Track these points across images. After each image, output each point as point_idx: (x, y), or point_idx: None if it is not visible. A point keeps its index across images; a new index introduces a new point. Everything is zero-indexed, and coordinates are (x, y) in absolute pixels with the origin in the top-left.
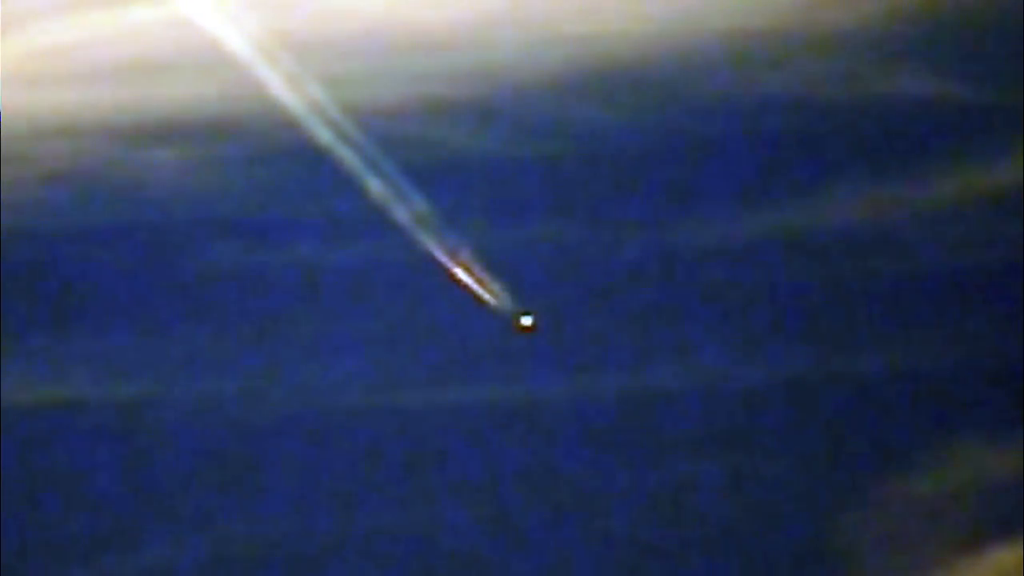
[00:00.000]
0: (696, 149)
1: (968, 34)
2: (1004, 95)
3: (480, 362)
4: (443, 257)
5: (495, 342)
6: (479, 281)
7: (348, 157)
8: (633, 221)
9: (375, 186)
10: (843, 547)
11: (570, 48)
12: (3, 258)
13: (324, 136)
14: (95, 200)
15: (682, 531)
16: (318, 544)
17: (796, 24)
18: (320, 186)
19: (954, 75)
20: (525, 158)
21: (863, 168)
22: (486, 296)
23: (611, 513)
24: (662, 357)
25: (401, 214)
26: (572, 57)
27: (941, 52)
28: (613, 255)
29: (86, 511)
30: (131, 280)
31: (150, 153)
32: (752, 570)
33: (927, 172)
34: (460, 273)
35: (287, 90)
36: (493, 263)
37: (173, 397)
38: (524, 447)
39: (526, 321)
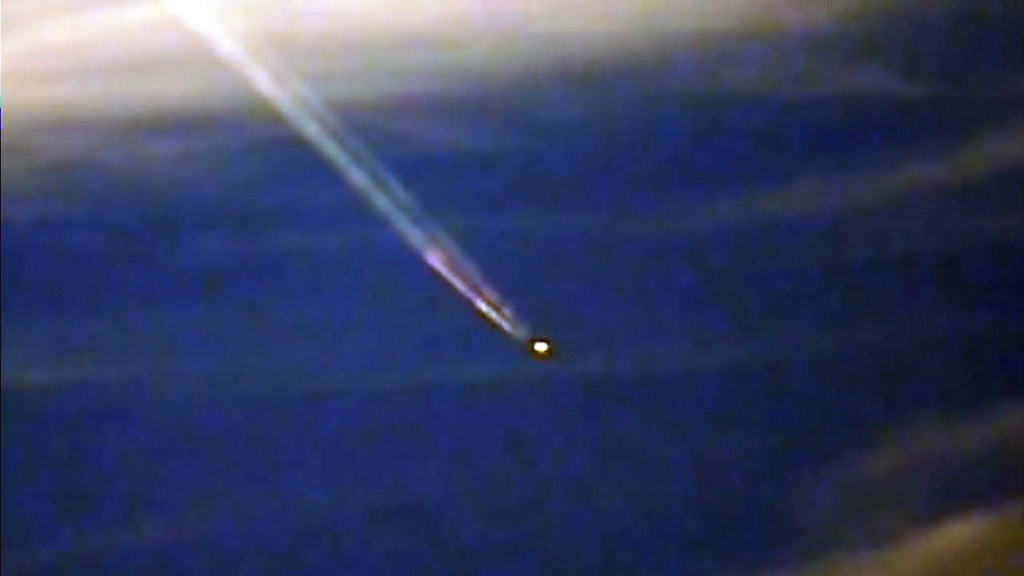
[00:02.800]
0: (663, 143)
1: (920, 33)
2: (955, 91)
3: (464, 344)
4: (422, 245)
5: (479, 325)
6: (494, 307)
7: (332, 150)
8: (604, 212)
9: (358, 178)
10: (802, 521)
11: (542, 47)
12: (2, 246)
13: (309, 130)
14: (91, 191)
15: (648, 506)
16: (308, 522)
17: (756, 25)
18: (305, 178)
19: (907, 73)
20: (500, 152)
21: (820, 162)
22: (500, 322)
23: (587, 490)
24: (632, 342)
25: (383, 204)
26: (544, 55)
27: (894, 51)
28: (585, 244)
29: (83, 490)
30: (126, 267)
31: (144, 146)
32: (713, 543)
33: (881, 165)
34: (477, 300)
35: (274, 87)
36: (471, 251)
37: (165, 380)
38: (507, 428)
39: (541, 347)
